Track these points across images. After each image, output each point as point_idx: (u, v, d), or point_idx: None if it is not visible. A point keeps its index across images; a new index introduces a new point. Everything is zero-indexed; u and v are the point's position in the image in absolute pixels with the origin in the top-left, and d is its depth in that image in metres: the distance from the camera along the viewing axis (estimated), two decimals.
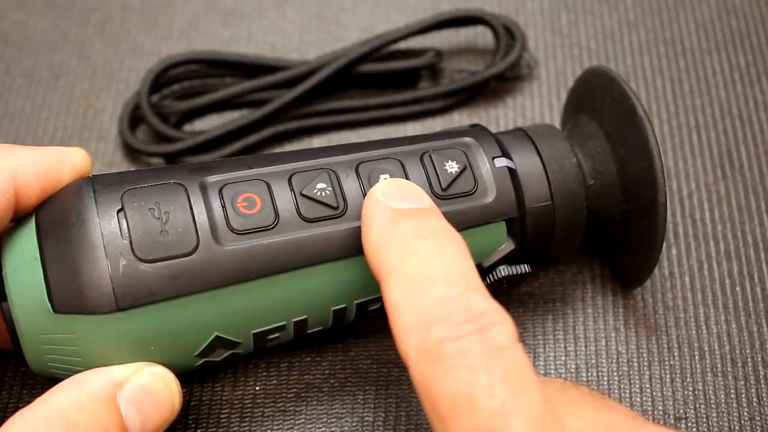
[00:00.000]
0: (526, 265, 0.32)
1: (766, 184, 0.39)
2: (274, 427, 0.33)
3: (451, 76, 0.43)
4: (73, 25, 0.46)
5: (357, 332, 0.35)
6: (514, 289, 0.34)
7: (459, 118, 0.42)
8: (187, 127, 0.42)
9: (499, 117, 0.42)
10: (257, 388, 0.34)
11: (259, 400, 0.34)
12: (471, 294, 0.25)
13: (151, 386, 0.28)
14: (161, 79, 0.41)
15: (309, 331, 0.32)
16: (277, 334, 0.31)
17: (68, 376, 0.29)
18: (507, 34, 0.42)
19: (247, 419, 0.33)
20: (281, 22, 0.46)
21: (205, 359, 0.31)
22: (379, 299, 0.31)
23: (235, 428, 0.33)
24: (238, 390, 0.34)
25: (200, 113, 0.42)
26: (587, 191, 0.33)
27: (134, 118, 0.41)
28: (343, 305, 0.31)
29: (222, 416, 0.33)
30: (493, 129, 0.41)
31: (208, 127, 0.41)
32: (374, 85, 0.43)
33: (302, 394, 0.34)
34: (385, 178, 0.31)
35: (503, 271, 0.32)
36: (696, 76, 0.43)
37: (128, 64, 0.44)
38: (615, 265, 0.36)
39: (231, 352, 0.31)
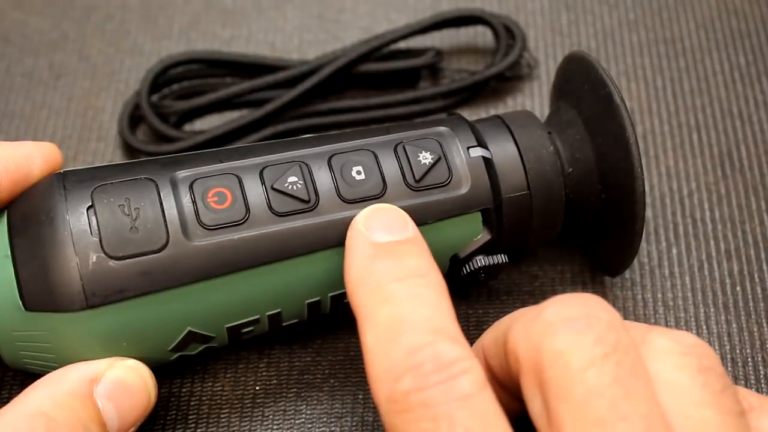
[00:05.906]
0: (503, 255, 0.32)
1: (766, 184, 0.39)
2: (274, 427, 0.33)
3: (451, 75, 0.43)
4: (73, 25, 0.46)
5: (357, 332, 0.35)
6: (492, 280, 0.33)
7: None
8: (187, 127, 0.42)
9: None
10: (257, 388, 0.34)
11: (259, 400, 0.34)
12: (440, 342, 0.26)
13: (126, 380, 0.29)
14: (161, 79, 0.41)
15: (284, 324, 0.32)
16: (251, 328, 0.31)
17: (44, 372, 0.29)
18: (507, 33, 0.42)
19: (247, 419, 0.33)
20: (281, 22, 0.46)
21: (179, 353, 0.31)
22: None
23: (235, 428, 0.33)
24: (238, 390, 0.34)
25: (200, 113, 0.42)
26: (565, 179, 0.32)
27: (134, 118, 0.41)
28: (317, 298, 0.31)
29: (222, 416, 0.33)
30: None
31: (208, 127, 0.41)
32: (374, 85, 0.43)
33: (302, 394, 0.34)
34: (358, 171, 0.30)
35: (480, 261, 0.32)
36: (696, 75, 0.43)
37: (128, 64, 0.44)
38: (595, 254, 0.36)
39: (205, 345, 0.31)
